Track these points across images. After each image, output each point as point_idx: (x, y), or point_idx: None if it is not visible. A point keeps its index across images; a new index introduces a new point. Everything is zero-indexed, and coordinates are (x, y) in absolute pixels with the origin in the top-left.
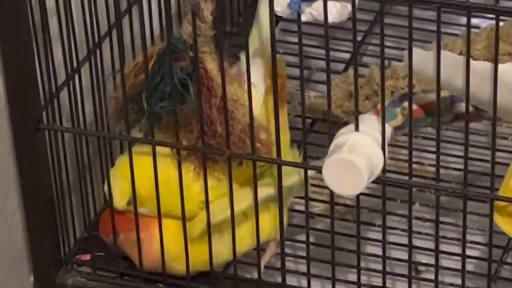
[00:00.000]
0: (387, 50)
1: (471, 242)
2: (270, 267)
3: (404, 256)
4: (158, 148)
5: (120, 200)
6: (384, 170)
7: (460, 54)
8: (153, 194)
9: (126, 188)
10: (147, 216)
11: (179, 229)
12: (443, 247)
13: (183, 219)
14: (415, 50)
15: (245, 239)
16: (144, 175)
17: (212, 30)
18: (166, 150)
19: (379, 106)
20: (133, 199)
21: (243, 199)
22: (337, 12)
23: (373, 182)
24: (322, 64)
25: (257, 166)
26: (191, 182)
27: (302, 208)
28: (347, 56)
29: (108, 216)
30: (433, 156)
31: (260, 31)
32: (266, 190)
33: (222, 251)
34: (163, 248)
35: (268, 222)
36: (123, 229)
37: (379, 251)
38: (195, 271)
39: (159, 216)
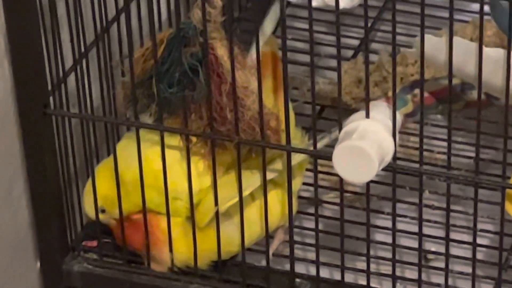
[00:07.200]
0: (396, 37)
1: (482, 230)
2: (278, 255)
3: (414, 244)
4: (148, 136)
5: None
6: (394, 158)
7: (470, 40)
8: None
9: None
10: (154, 218)
11: (185, 224)
12: (453, 236)
13: (191, 209)
14: (427, 36)
15: (255, 225)
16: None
17: (222, 16)
18: (156, 138)
19: (389, 93)
20: (142, 201)
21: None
22: None
23: (383, 169)
24: (330, 50)
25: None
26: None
27: (310, 195)
28: (355, 42)
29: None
30: (442, 143)
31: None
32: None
33: (235, 237)
34: (171, 241)
35: (279, 207)
36: (135, 245)
37: (388, 239)
38: (210, 261)
39: (168, 216)
